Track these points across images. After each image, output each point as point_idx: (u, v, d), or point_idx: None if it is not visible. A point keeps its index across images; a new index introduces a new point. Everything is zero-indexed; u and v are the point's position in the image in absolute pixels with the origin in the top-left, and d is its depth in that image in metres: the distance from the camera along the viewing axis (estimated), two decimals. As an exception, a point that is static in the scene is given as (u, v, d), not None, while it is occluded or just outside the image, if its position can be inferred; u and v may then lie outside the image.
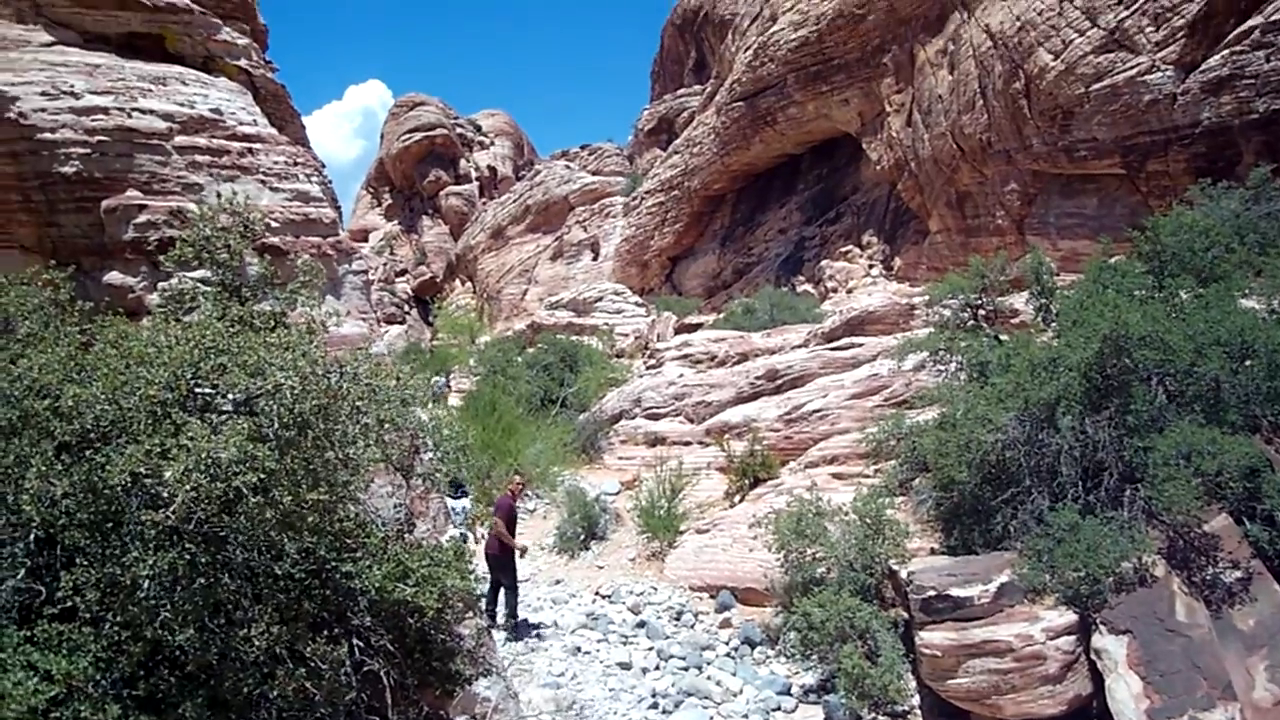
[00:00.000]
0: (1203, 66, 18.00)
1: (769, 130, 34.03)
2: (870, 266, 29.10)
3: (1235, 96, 17.38)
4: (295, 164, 9.35)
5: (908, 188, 27.41)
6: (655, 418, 18.93)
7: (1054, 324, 12.39)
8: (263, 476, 3.87)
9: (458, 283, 55.72)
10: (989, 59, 22.69)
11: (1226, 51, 17.67)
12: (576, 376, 22.91)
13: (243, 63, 11.53)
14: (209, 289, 5.84)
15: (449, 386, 25.62)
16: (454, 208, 59.15)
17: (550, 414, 20.86)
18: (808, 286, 30.39)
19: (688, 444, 17.39)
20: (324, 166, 10.83)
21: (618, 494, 16.58)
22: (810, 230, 33.89)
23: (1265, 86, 16.97)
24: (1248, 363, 10.52)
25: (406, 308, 54.96)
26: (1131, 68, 18.99)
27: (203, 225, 5.78)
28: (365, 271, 9.18)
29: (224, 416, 4.18)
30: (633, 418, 19.30)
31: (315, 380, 4.01)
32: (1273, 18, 17.13)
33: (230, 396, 4.14)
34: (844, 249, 30.54)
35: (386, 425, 4.49)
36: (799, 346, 17.96)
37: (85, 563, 4.22)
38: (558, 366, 23.49)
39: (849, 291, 27.88)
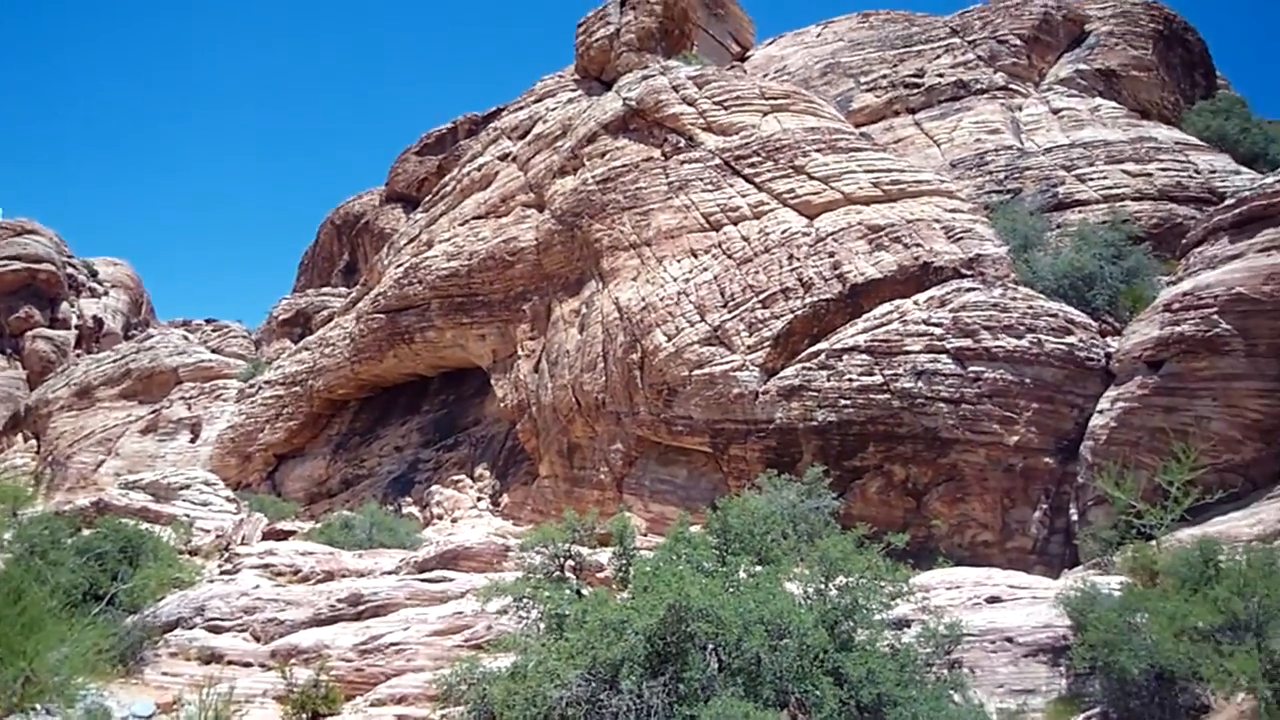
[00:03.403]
0: (781, 374, 21.10)
1: (405, 347, 34.35)
2: (479, 499, 29.44)
3: (802, 404, 20.42)
4: None
5: (526, 430, 28.60)
6: (217, 630, 17.10)
7: (631, 585, 13.14)
8: None
9: (19, 438, 48.19)
10: (614, 328, 24.99)
11: (799, 365, 20.92)
12: (135, 571, 20.19)
13: None
14: None
15: None
16: (40, 352, 52.23)
17: (91, 612, 18.03)
18: (414, 509, 29.96)
19: (249, 665, 15.80)
20: None
21: (150, 717, 14.44)
22: (427, 453, 33.87)
23: (824, 400, 20.16)
24: (784, 641, 11.71)
25: (-58, 457, 46.35)
26: (727, 363, 21.80)
27: None
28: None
29: None
30: (191, 627, 17.27)
31: None
32: (835, 346, 20.68)
33: None
34: (456, 478, 30.77)
35: None
36: (390, 573, 17.41)
37: None
38: (114, 557, 20.57)
39: (454, 521, 27.83)
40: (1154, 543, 15.25)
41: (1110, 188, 25.77)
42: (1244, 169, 26.65)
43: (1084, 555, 17.27)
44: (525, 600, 13.00)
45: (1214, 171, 25.93)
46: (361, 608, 16.00)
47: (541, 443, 27.75)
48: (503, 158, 35.41)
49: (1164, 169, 26.03)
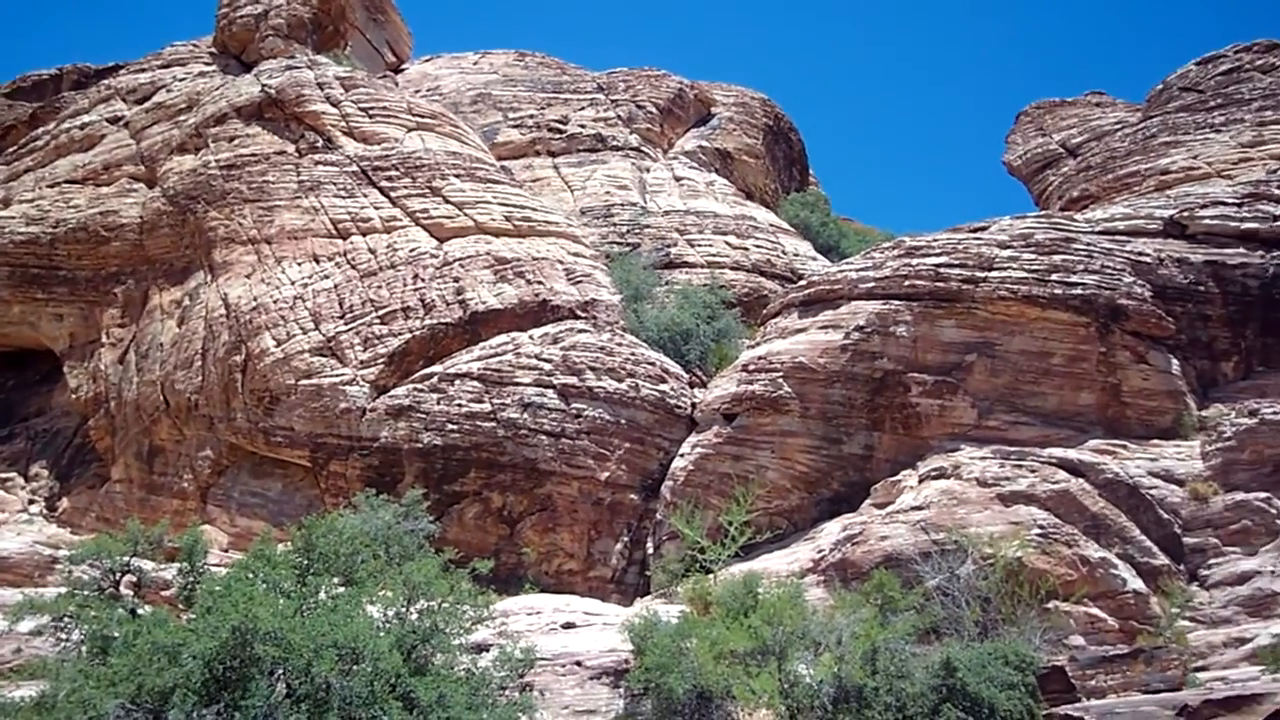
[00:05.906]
0: (391, 392, 20.89)
1: (-44, 318, 29.35)
2: (31, 502, 25.78)
3: (409, 425, 20.35)
4: None
5: (100, 427, 25.62)
6: None
7: (197, 605, 12.26)
8: None
9: None
10: (219, 326, 23.27)
11: (411, 386, 20.85)
12: None
13: None
14: None
15: None
16: None
17: None
18: (-57, 509, 25.55)
19: None
20: None
21: None
22: (-30, 444, 29.08)
23: (432, 423, 20.26)
24: (357, 666, 11.54)
25: None
26: (337, 376, 21.17)
27: None
28: None
29: None
30: None
31: None
32: (449, 370, 20.91)
33: None
34: (5, 475, 26.68)
35: None
36: (-106, 583, 14.71)
37: None
38: None
39: (-5, 525, 24.12)
40: (712, 576, 17.10)
41: (714, 255, 28.68)
42: (820, 256, 30.98)
43: (654, 586, 18.90)
44: (67, 620, 11.65)
45: (797, 255, 29.83)
46: None
47: (118, 443, 25.00)
48: (113, 121, 31.70)
49: (759, 246, 29.49)
